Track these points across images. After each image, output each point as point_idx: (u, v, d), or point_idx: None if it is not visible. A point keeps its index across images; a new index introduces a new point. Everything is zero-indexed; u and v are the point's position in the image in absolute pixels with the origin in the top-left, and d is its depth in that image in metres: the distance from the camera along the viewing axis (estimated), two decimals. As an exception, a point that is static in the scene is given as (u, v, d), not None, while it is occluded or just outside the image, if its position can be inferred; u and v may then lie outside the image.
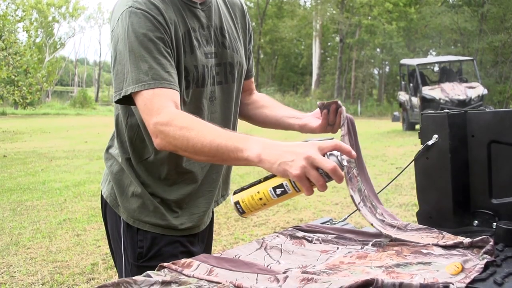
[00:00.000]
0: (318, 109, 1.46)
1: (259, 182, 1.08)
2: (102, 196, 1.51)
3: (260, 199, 1.06)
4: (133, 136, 1.39)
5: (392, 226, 1.30)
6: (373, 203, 1.33)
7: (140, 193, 1.39)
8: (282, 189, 1.04)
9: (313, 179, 0.99)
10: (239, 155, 1.07)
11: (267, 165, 1.03)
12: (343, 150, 1.02)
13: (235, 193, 1.10)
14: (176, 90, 1.22)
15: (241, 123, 1.61)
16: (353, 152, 1.02)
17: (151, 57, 1.20)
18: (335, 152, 1.02)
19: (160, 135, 1.17)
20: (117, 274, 1.53)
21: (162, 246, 1.40)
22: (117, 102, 1.26)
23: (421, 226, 1.29)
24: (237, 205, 1.08)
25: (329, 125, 1.42)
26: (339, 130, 1.37)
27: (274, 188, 1.05)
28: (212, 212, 1.59)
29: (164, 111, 1.17)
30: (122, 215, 1.42)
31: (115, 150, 1.46)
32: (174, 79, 1.23)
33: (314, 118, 1.48)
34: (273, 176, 1.07)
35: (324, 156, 1.00)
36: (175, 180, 1.40)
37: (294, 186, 1.03)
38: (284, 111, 1.57)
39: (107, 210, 1.48)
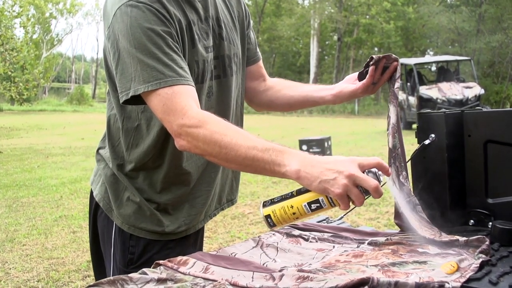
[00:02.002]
0: (349, 76, 1.44)
1: (292, 195, 1.06)
2: (92, 196, 1.44)
3: (294, 213, 1.05)
4: (129, 142, 1.32)
5: (407, 196, 1.28)
6: (402, 164, 1.30)
7: (136, 199, 1.34)
8: (318, 205, 1.04)
9: (354, 197, 0.99)
10: (275, 169, 1.05)
11: (306, 182, 1.02)
12: (383, 168, 1.01)
13: (264, 205, 1.08)
14: (193, 86, 1.17)
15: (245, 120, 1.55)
16: (390, 171, 1.03)
17: (162, 52, 1.14)
18: (373, 169, 1.02)
19: (186, 138, 1.12)
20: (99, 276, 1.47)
21: (154, 253, 1.35)
22: (124, 102, 1.19)
23: (425, 217, 1.27)
24: (268, 219, 1.07)
25: (372, 83, 1.36)
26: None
27: (309, 204, 1.04)
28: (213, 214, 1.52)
29: (190, 112, 1.12)
30: (116, 221, 1.36)
31: (106, 153, 1.39)
32: (188, 74, 1.17)
33: (348, 83, 1.42)
34: (307, 190, 1.05)
35: (364, 173, 0.99)
36: (172, 182, 1.35)
37: (331, 202, 1.03)
38: (309, 87, 1.51)
39: (98, 212, 1.41)
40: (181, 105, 1.12)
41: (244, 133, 1.11)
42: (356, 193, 0.99)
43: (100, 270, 1.47)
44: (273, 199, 1.08)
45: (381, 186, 1.00)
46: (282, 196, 1.08)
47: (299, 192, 1.06)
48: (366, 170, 1.00)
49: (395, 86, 1.31)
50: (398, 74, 1.32)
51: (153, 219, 1.34)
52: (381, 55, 1.33)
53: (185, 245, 1.42)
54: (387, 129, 1.29)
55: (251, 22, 1.52)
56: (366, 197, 1.01)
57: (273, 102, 1.56)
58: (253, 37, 1.53)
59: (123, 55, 1.16)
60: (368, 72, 1.34)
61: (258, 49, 1.56)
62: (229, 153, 1.09)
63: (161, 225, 1.35)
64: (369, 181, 0.98)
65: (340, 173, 0.98)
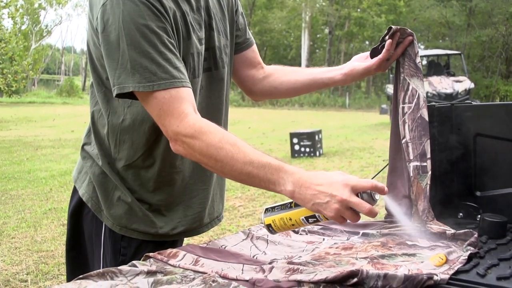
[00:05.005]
0: (357, 56, 1.42)
1: (290, 207, 1.09)
2: (76, 193, 1.36)
3: (292, 225, 1.10)
4: (116, 138, 1.26)
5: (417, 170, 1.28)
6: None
7: (127, 199, 1.28)
8: (315, 219, 1.07)
9: (347, 217, 1.01)
10: (271, 187, 1.06)
11: (300, 202, 1.04)
12: (378, 189, 1.00)
13: (266, 212, 1.11)
14: (189, 87, 1.13)
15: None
16: (386, 189, 1.01)
17: (156, 51, 1.09)
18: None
19: (183, 145, 1.11)
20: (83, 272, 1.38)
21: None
22: (117, 96, 1.14)
23: (428, 202, 1.27)
24: (270, 227, 1.11)
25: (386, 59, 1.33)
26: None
27: (307, 218, 1.07)
28: (215, 219, 1.45)
29: (187, 120, 1.09)
30: (106, 222, 1.29)
31: (93, 150, 1.32)
32: (184, 74, 1.12)
33: (358, 62, 1.39)
34: None
35: (358, 195, 0.99)
36: (165, 182, 1.29)
37: (324, 214, 1.05)
38: (314, 69, 1.47)
39: (84, 211, 1.34)
40: (178, 111, 1.09)
41: (240, 145, 1.08)
42: (349, 214, 1.00)
43: (77, 270, 1.36)
44: (274, 207, 1.11)
45: (377, 203, 1.01)
46: (281, 205, 1.10)
47: (297, 205, 1.07)
48: (361, 193, 1.00)
49: (417, 61, 1.31)
50: (416, 48, 1.32)
51: (146, 220, 1.29)
52: (398, 27, 1.31)
53: (177, 245, 1.36)
54: (409, 103, 1.29)
55: (240, 7, 1.45)
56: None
57: (276, 88, 1.50)
58: (243, 21, 1.46)
59: (108, 50, 1.10)
60: (385, 46, 1.31)
61: (249, 34, 1.50)
62: (224, 167, 1.08)
63: (154, 227, 1.29)
64: (361, 206, 0.98)
65: (332, 197, 0.99)
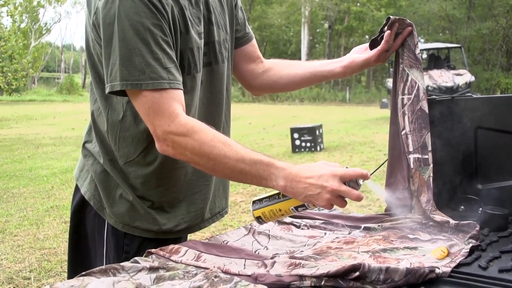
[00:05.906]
0: (356, 48, 1.42)
1: (279, 198, 1.12)
2: (78, 191, 1.36)
3: (282, 214, 1.14)
4: (116, 135, 1.26)
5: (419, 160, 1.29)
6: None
7: (129, 197, 1.27)
8: (304, 207, 1.11)
9: (337, 204, 1.07)
10: (263, 182, 1.10)
11: (292, 195, 1.09)
12: (363, 176, 1.07)
13: (254, 204, 1.14)
14: (179, 89, 1.13)
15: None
16: (368, 174, 1.08)
17: (147, 50, 1.08)
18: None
19: (173, 145, 1.11)
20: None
21: None
22: (110, 93, 1.15)
23: (432, 193, 1.27)
24: (259, 219, 1.15)
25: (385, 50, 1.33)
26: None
27: (296, 207, 1.11)
28: (218, 215, 1.44)
29: (178, 120, 1.10)
30: (109, 220, 1.29)
31: (94, 148, 1.32)
32: (174, 75, 1.12)
33: (358, 54, 1.40)
34: None
35: (345, 183, 1.05)
36: (168, 178, 1.28)
37: (315, 204, 1.10)
38: (314, 63, 1.47)
39: (87, 209, 1.34)
40: (169, 111, 1.10)
41: (231, 143, 1.11)
42: (339, 202, 1.06)
43: (79, 268, 1.32)
44: (262, 199, 1.14)
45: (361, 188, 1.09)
46: (269, 196, 1.13)
47: (285, 196, 1.11)
48: (347, 181, 1.06)
49: (417, 52, 1.31)
50: (416, 39, 1.31)
51: (148, 218, 1.28)
52: (396, 17, 1.30)
53: (179, 240, 1.36)
54: (408, 94, 1.29)
55: (240, 2, 1.44)
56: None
57: (276, 82, 1.50)
58: (242, 16, 1.45)
59: (104, 45, 1.11)
60: (384, 37, 1.30)
61: (249, 28, 1.49)
62: (217, 165, 1.11)
63: (157, 224, 1.29)
64: (350, 193, 1.05)
65: (323, 188, 1.05)
